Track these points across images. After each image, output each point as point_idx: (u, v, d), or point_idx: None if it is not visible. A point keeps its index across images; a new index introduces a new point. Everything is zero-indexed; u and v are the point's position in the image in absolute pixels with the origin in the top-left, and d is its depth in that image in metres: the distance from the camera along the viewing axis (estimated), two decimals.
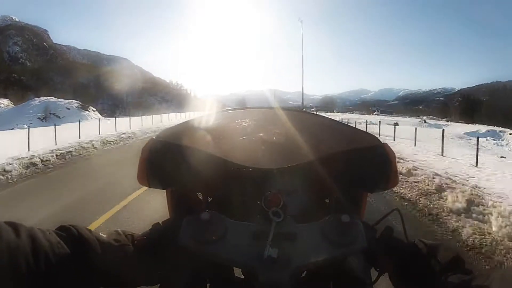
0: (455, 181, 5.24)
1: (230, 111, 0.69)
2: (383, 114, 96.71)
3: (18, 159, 6.71)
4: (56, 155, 7.89)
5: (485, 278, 0.34)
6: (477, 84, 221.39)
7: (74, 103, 34.43)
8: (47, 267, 0.32)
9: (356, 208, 0.53)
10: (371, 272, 0.44)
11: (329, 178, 0.50)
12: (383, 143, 0.52)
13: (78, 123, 11.88)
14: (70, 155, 8.37)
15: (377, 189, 0.52)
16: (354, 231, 0.39)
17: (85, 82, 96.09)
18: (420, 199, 4.73)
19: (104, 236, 0.40)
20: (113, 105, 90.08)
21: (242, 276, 0.46)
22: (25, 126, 16.09)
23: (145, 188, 0.52)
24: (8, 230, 0.31)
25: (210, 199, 0.56)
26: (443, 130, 11.06)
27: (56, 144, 8.94)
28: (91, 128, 13.03)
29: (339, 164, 0.50)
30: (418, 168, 6.38)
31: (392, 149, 0.51)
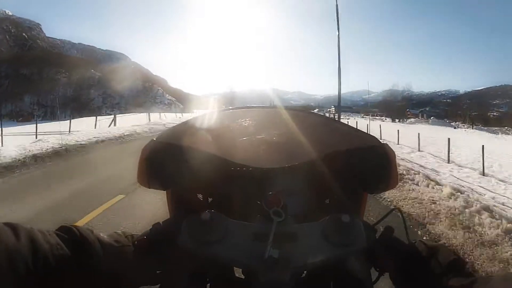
0: None
1: (230, 111, 0.68)
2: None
3: None
4: None
5: (486, 281, 0.33)
6: (484, 87, 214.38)
7: None
8: (46, 270, 0.31)
9: (356, 208, 0.53)
10: (371, 272, 0.44)
11: (329, 178, 0.50)
12: (383, 143, 0.51)
13: None
14: None
15: (377, 189, 0.53)
16: (354, 231, 0.39)
17: (27, 74, 77.84)
18: None
19: (105, 236, 0.40)
20: (38, 103, 70.18)
21: (243, 276, 0.46)
22: None
23: None
24: (7, 232, 0.30)
25: (210, 199, 0.55)
26: None
27: None
28: None
29: (340, 164, 0.50)
30: None
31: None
